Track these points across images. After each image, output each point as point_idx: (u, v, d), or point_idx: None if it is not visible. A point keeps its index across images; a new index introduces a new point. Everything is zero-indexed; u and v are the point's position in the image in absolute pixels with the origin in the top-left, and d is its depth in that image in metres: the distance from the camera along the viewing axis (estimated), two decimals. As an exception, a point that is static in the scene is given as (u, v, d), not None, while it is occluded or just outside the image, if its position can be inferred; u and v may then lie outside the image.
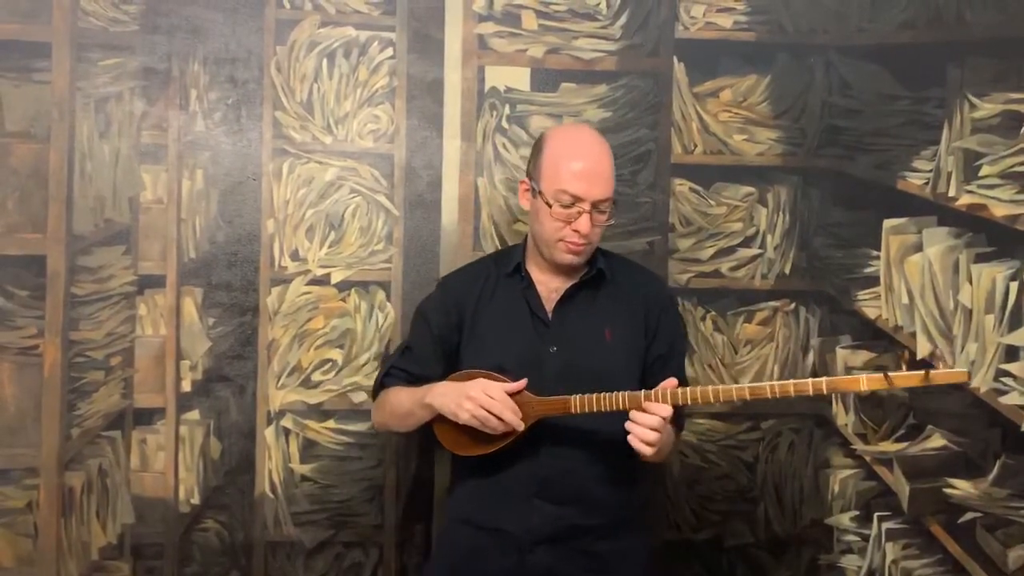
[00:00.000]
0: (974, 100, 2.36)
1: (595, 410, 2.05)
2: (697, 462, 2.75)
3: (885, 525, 2.63)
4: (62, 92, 2.53)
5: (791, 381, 2.00)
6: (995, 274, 2.25)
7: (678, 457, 2.74)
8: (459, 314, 2.21)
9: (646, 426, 1.99)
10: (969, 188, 2.35)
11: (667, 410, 2.00)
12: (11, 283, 2.55)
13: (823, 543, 2.75)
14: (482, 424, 2.06)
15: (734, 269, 2.74)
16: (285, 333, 2.67)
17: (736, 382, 2.74)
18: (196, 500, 2.66)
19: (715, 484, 2.77)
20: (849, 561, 2.72)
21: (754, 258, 2.75)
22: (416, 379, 2.22)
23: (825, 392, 1.98)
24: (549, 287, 2.20)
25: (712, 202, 2.73)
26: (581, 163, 2.10)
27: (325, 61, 2.65)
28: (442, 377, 2.18)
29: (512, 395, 2.07)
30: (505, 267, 2.24)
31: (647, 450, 2.01)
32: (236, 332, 2.66)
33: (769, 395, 1.99)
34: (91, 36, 2.55)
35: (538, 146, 2.19)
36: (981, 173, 2.31)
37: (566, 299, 2.19)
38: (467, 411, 2.06)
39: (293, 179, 2.65)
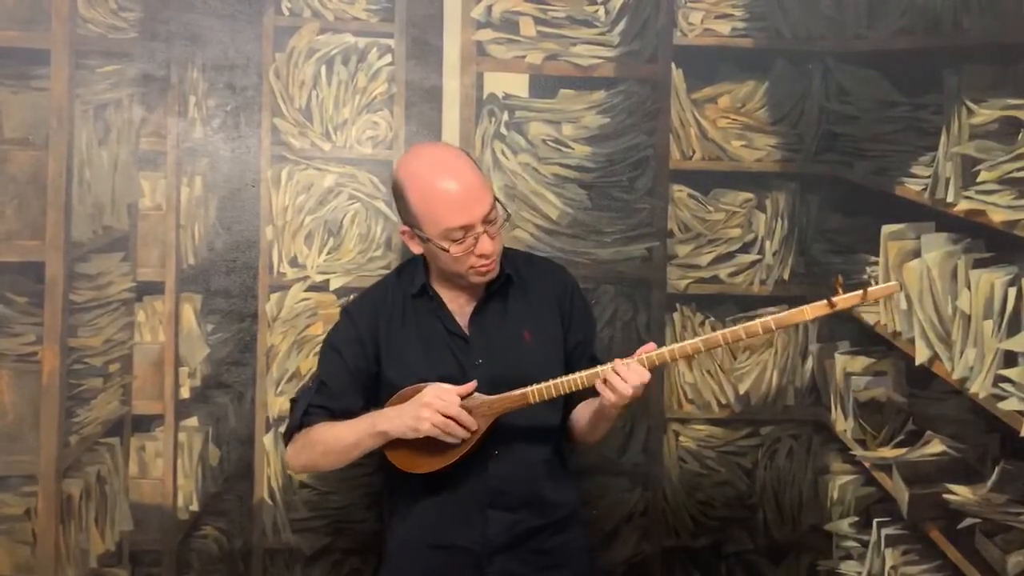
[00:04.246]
0: (972, 106, 2.36)
1: (555, 396, 2.05)
2: (696, 468, 2.75)
3: (884, 531, 2.63)
4: (61, 99, 2.53)
5: (740, 326, 2.02)
6: (993, 280, 2.25)
7: (677, 463, 2.74)
8: (373, 342, 2.14)
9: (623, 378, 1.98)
10: (967, 194, 2.36)
11: (643, 376, 1.98)
12: (9, 290, 2.55)
13: (822, 549, 2.75)
14: (443, 431, 2.01)
15: (733, 275, 2.74)
16: (284, 339, 2.67)
17: (736, 388, 2.75)
18: (195, 507, 2.66)
19: (714, 490, 2.76)
20: (848, 567, 2.72)
21: (753, 264, 2.75)
22: (336, 415, 2.14)
23: (774, 329, 2.02)
24: (459, 302, 2.16)
25: (710, 208, 2.73)
26: (452, 191, 2.01)
27: (324, 68, 2.65)
28: (364, 409, 2.14)
29: (463, 399, 2.03)
30: (409, 288, 2.17)
31: (625, 393, 1.98)
32: (235, 338, 2.66)
33: (722, 342, 2.02)
34: (90, 43, 2.55)
35: (398, 191, 2.08)
36: (979, 179, 2.31)
37: (479, 310, 2.16)
38: (427, 420, 2.00)
39: (292, 185, 2.65)
